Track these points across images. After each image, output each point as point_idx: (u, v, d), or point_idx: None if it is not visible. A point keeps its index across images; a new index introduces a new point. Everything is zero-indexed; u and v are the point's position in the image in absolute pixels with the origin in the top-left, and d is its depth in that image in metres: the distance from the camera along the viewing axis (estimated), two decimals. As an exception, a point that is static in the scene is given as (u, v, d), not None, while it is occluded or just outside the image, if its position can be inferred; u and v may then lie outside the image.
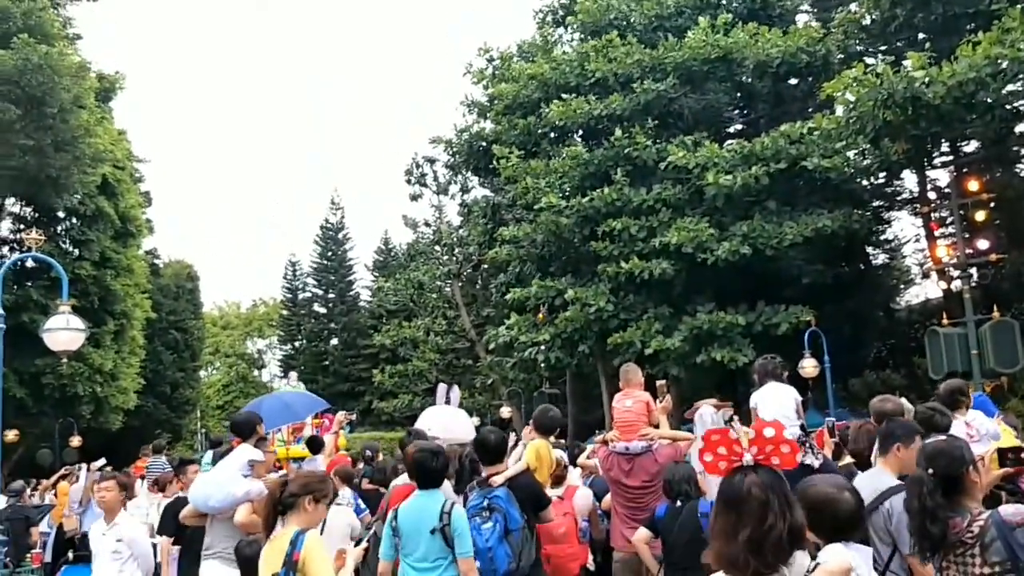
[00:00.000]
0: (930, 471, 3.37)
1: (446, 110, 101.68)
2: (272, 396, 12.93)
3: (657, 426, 6.49)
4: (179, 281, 38.52)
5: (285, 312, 54.07)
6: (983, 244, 17.63)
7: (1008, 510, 3.38)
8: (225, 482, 5.96)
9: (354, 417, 20.59)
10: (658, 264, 18.10)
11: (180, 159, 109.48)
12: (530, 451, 6.02)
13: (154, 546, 7.70)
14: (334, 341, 51.01)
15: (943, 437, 3.83)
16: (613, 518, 6.42)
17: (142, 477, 12.89)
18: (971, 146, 21.55)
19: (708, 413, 6.72)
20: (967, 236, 17.89)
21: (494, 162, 22.18)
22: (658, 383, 7.16)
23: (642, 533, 5.89)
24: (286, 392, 14.01)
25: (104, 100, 26.69)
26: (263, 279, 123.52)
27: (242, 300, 65.61)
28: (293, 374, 20.53)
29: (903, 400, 6.26)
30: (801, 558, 2.61)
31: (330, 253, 52.72)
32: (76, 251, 25.18)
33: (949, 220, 18.82)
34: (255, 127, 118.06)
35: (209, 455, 6.94)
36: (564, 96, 20.94)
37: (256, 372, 60.95)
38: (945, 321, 17.05)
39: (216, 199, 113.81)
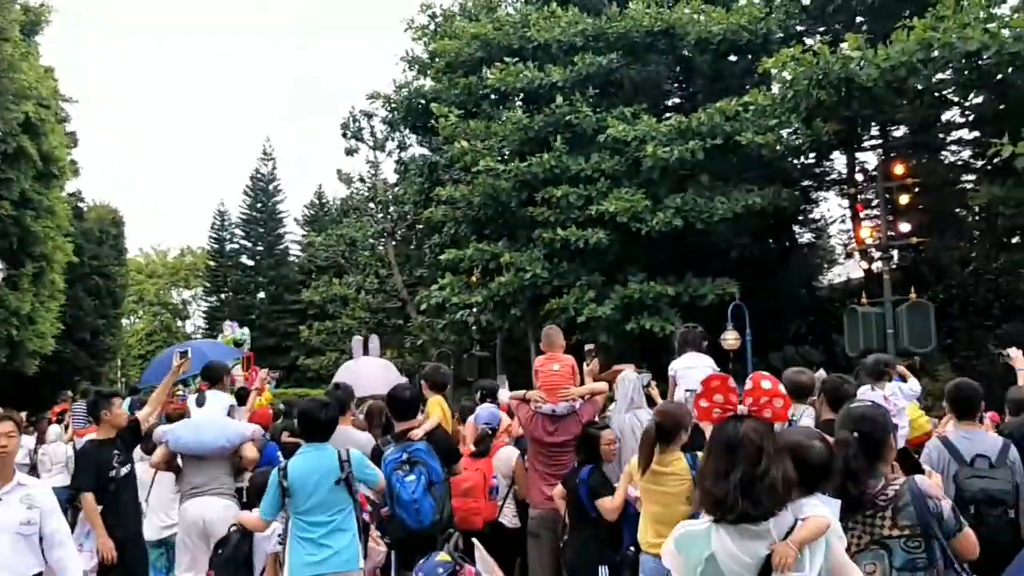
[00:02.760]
0: (855, 434, 3.48)
1: (386, 64, 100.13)
2: (184, 345, 12.77)
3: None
4: (103, 226, 37.44)
5: (212, 263, 53.00)
6: (905, 227, 18.19)
7: (924, 480, 3.54)
8: (231, 424, 6.68)
9: (277, 375, 20.35)
10: (594, 232, 18.23)
11: (110, 101, 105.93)
12: (435, 406, 6.14)
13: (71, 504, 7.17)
14: (261, 295, 50.27)
15: (868, 402, 3.97)
16: (531, 475, 6.51)
17: (52, 422, 12.65)
18: (900, 131, 22.11)
19: (630, 376, 6.84)
20: (890, 219, 18.42)
21: (433, 121, 21.97)
22: (586, 346, 7.26)
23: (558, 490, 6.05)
24: (204, 341, 13.86)
25: (30, 34, 25.61)
26: (192, 228, 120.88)
27: (169, 248, 64.07)
28: (233, 323, 20.13)
29: (821, 371, 6.47)
30: (787, 515, 2.70)
31: (260, 204, 51.76)
32: (-6, 190, 24.26)
33: (874, 202, 19.33)
34: (187, 71, 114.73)
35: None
36: (506, 59, 20.80)
37: (180, 322, 59.81)
38: (864, 300, 17.55)
39: (145, 144, 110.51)
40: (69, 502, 9.58)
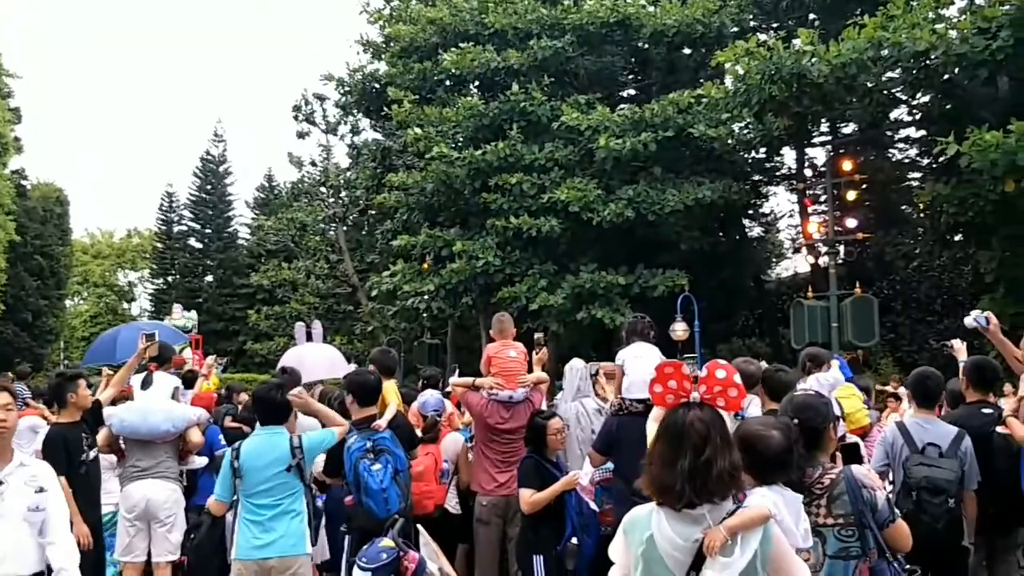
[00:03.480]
0: (796, 421, 3.52)
1: (340, 46, 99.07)
2: (129, 326, 12.58)
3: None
4: (47, 205, 36.60)
5: (159, 245, 52.06)
6: (852, 223, 18.50)
7: (860, 470, 3.59)
8: (177, 408, 6.69)
9: (224, 361, 20.13)
10: (547, 221, 18.26)
11: (58, 79, 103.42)
12: (391, 392, 6.09)
13: None
14: (209, 278, 49.48)
15: (811, 391, 4.02)
16: (479, 463, 6.48)
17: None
18: (849, 128, 22.47)
19: (577, 365, 6.87)
20: (838, 214, 18.71)
21: (386, 106, 21.80)
22: (536, 335, 7.26)
23: None
24: (146, 323, 13.60)
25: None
26: (140, 209, 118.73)
27: (116, 229, 62.75)
28: (178, 307, 19.80)
29: (762, 363, 6.56)
30: (726, 502, 2.74)
31: (209, 187, 50.86)
32: (-68, 165, 23.61)
33: (822, 198, 19.63)
34: (137, 51, 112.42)
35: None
36: (462, 44, 20.71)
37: (126, 305, 58.71)
38: (810, 294, 17.83)
39: (94, 123, 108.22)
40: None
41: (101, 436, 6.48)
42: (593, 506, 5.84)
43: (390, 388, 6.24)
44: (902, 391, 12.36)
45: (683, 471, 2.67)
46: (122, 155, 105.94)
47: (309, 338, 9.63)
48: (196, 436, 6.70)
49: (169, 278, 50.58)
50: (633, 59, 22.59)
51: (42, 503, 3.92)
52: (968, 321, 5.50)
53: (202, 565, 5.40)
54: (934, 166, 18.62)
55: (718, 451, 2.68)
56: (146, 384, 6.65)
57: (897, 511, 3.54)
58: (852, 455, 5.84)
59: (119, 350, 10.88)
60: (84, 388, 6.23)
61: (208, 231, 50.58)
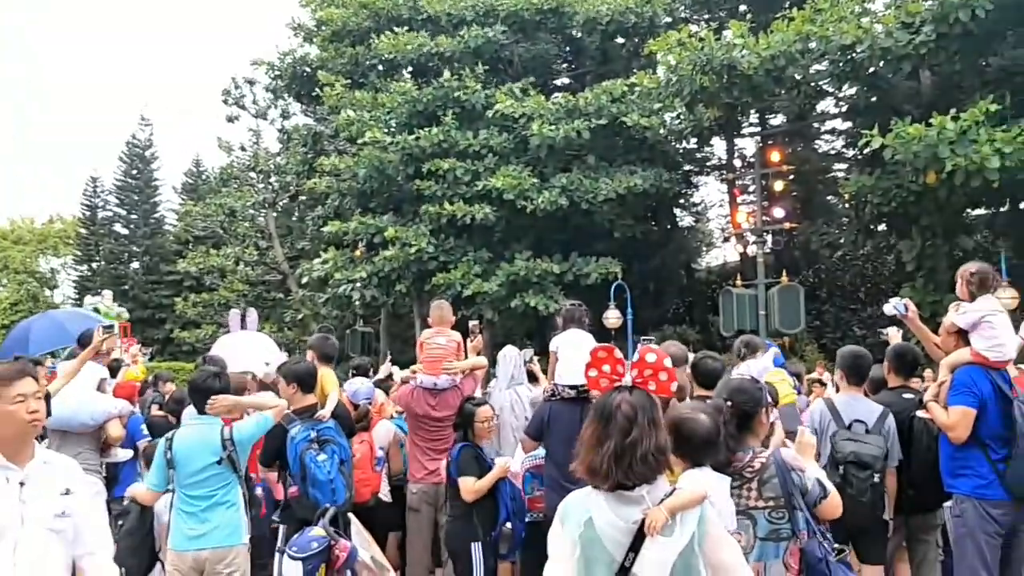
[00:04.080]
0: (729, 403, 3.58)
1: (270, 30, 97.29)
2: (43, 316, 12.11)
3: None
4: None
5: (83, 230, 50.64)
6: (779, 213, 18.86)
7: (788, 454, 3.66)
8: (97, 400, 6.52)
9: (150, 351, 19.66)
10: (480, 208, 18.22)
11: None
12: (331, 382, 6.01)
13: None
14: (135, 265, 48.28)
15: (747, 376, 4.09)
16: (411, 451, 6.46)
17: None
18: (777, 119, 22.89)
19: (511, 353, 6.87)
20: (766, 204, 19.07)
21: (318, 90, 21.46)
22: (471, 323, 7.24)
23: None
24: (60, 311, 13.14)
25: None
26: (62, 195, 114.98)
27: (37, 215, 60.80)
28: (108, 292, 19.21)
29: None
30: (662, 483, 2.75)
31: (136, 172, 49.60)
32: None
33: (751, 188, 19.97)
34: (63, 32, 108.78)
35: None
36: (395, 28, 20.51)
37: (48, 292, 56.99)
38: (739, 283, 18.15)
39: (13, 105, 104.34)
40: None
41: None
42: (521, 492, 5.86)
43: (330, 378, 6.14)
44: (826, 377, 12.70)
45: (608, 452, 2.69)
46: (44, 140, 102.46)
47: (243, 325, 9.43)
48: (116, 430, 6.56)
49: (93, 264, 49.27)
50: (567, 48, 22.67)
51: (69, 508, 3.25)
52: (887, 308, 5.63)
53: (131, 553, 5.30)
54: (859, 158, 19.08)
55: (644, 433, 2.70)
56: None
57: (827, 487, 3.61)
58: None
59: (32, 343, 10.44)
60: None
61: (134, 217, 49.36)
